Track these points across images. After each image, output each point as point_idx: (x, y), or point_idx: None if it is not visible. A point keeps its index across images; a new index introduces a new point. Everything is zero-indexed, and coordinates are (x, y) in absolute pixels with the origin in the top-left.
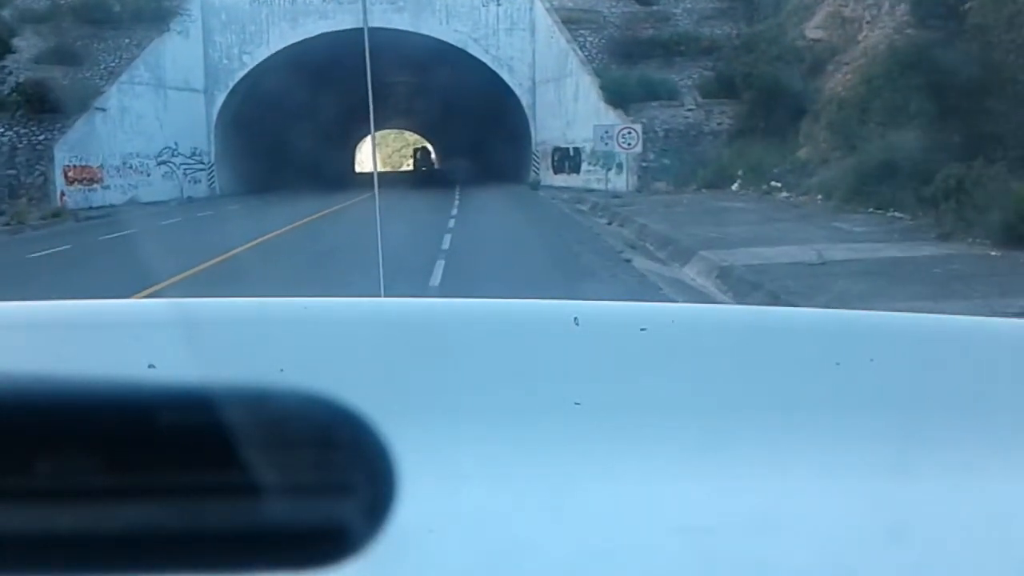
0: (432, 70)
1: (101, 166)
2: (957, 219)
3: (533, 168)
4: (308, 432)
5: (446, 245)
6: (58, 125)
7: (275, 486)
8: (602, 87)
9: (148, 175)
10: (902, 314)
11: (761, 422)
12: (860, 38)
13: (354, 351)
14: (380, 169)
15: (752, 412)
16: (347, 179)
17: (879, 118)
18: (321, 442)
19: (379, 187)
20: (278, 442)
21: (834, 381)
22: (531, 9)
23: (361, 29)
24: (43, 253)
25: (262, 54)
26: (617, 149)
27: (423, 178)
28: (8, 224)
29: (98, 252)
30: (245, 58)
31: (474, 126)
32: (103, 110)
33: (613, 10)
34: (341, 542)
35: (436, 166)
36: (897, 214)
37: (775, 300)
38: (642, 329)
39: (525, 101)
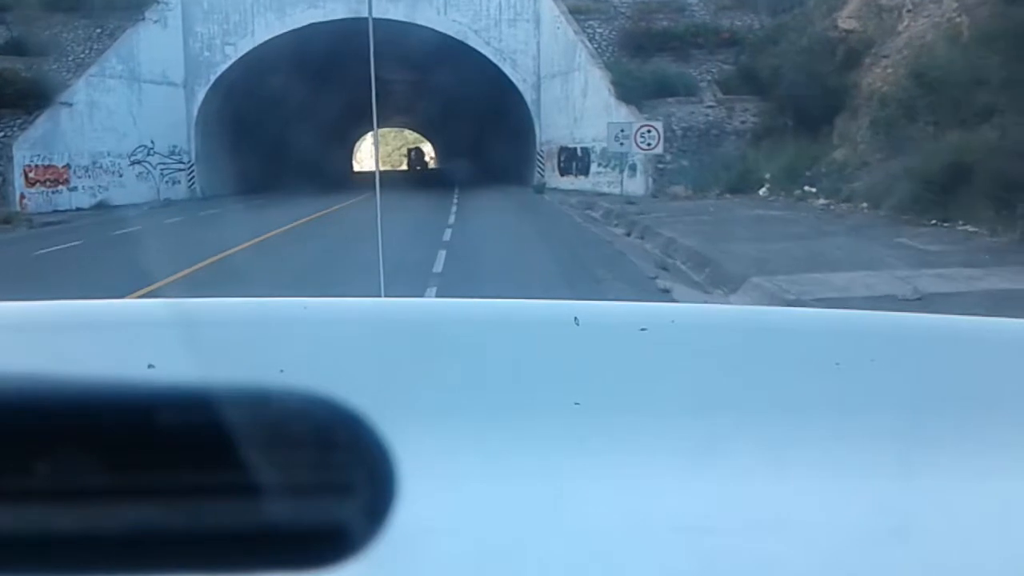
0: (430, 65)
1: (67, 166)
2: None
3: (538, 169)
4: (308, 432)
5: (439, 267)
6: (18, 121)
7: (275, 486)
8: (613, 82)
9: (120, 176)
10: (902, 314)
11: (761, 422)
12: (901, 28)
13: (354, 351)
14: (384, 168)
15: (752, 412)
16: (345, 179)
17: (932, 116)
18: (321, 442)
19: (373, 190)
20: (278, 442)
21: (834, 381)
22: None
23: (355, 19)
24: None
25: (246, 46)
26: (635, 150)
27: (421, 179)
28: None
29: (17, 269)
30: (228, 50)
31: (475, 124)
32: (69, 105)
33: None
34: (341, 542)
35: (431, 166)
36: (970, 228)
37: None
38: (642, 329)
39: (529, 97)
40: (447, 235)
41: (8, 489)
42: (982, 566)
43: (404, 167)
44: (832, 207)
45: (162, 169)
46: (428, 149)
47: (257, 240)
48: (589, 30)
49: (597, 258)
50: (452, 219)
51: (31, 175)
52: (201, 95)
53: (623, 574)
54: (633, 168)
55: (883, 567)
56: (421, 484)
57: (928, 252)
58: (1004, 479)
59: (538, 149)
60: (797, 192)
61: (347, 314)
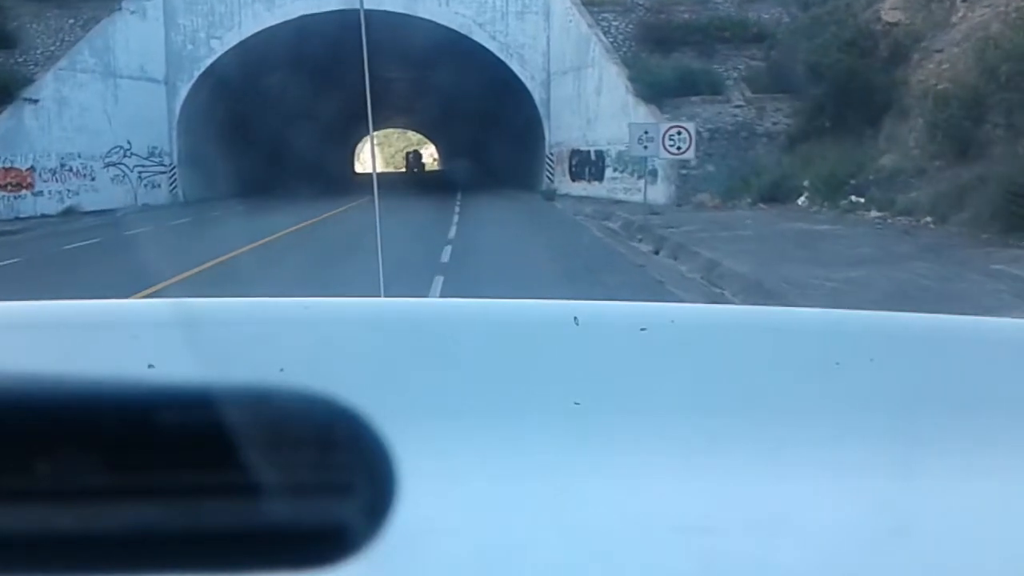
0: (432, 61)
1: (32, 168)
2: None
3: (547, 173)
4: (308, 432)
5: (435, 294)
6: None
7: (275, 486)
8: (631, 79)
9: (93, 179)
10: (902, 314)
11: (761, 422)
12: (955, 19)
13: (354, 351)
14: (381, 169)
15: (752, 412)
16: (345, 181)
17: (1005, 117)
18: (321, 442)
19: (371, 193)
20: (278, 442)
21: (834, 381)
22: None
23: (351, 11)
24: None
25: (233, 39)
26: (663, 154)
27: (422, 182)
28: None
29: None
30: (214, 43)
31: (479, 125)
32: (34, 101)
33: None
34: (341, 542)
35: (434, 168)
36: None
37: None
38: (642, 329)
39: (538, 96)
40: (446, 254)
41: (8, 489)
42: (982, 566)
43: (416, 169)
44: (889, 221)
45: (140, 172)
46: (431, 151)
47: (218, 261)
48: (604, 23)
49: (627, 286)
50: (453, 232)
51: None
52: (184, 92)
53: (623, 574)
54: (654, 174)
55: (883, 567)
56: (421, 484)
57: None
58: (1004, 479)
59: (547, 152)
60: (843, 203)
61: (347, 314)
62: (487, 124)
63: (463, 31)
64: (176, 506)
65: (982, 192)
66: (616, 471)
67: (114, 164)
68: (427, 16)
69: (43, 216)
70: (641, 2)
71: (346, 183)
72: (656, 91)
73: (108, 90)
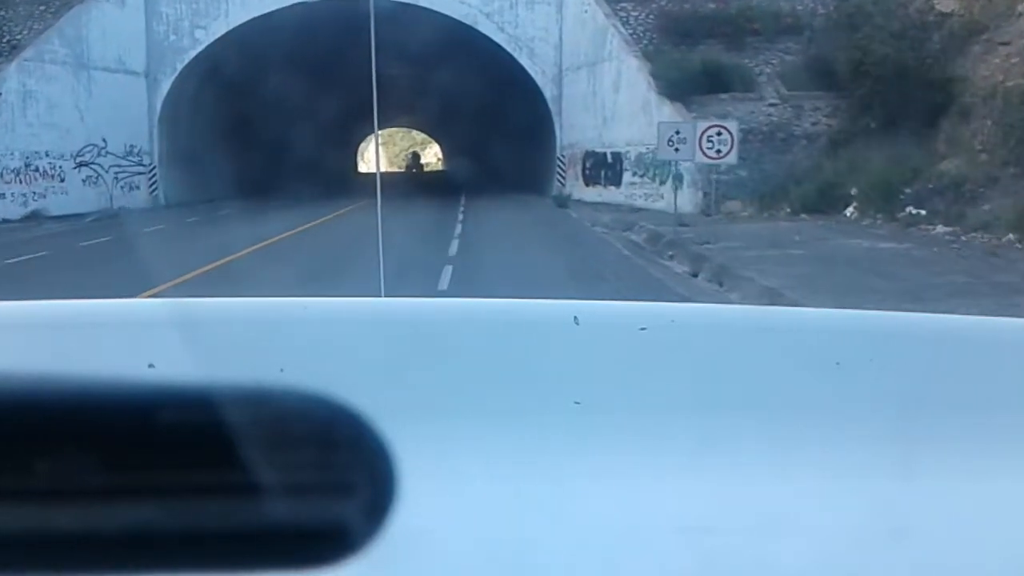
0: (436, 55)
1: None
2: None
3: (558, 177)
4: (308, 432)
5: None
6: None
7: (275, 486)
8: (654, 74)
9: (62, 180)
10: (902, 314)
11: (761, 422)
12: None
13: (354, 351)
14: (385, 169)
15: (752, 412)
16: (347, 181)
17: None
18: (321, 442)
19: (371, 200)
20: (278, 442)
21: (834, 381)
22: None
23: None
24: None
25: (219, 29)
26: (700, 158)
27: (424, 185)
28: None
29: None
30: (198, 33)
31: (485, 124)
32: None
33: None
34: (341, 542)
35: (432, 168)
36: None
37: None
38: (642, 329)
39: (548, 93)
40: (445, 279)
41: (8, 489)
42: (981, 566)
43: (421, 169)
44: (963, 239)
45: (116, 172)
46: (435, 150)
47: (180, 280)
48: (623, 13)
49: None
50: (454, 248)
51: None
52: (166, 86)
53: (623, 574)
54: (679, 179)
55: (883, 567)
56: (421, 484)
57: None
58: (1004, 479)
59: (558, 154)
60: (901, 215)
61: (347, 314)
62: (493, 123)
63: (468, 22)
64: (176, 506)
65: None
66: (616, 471)
67: (86, 164)
68: (429, 6)
69: (5, 221)
70: None
71: (348, 184)
72: (681, 87)
73: (80, 83)
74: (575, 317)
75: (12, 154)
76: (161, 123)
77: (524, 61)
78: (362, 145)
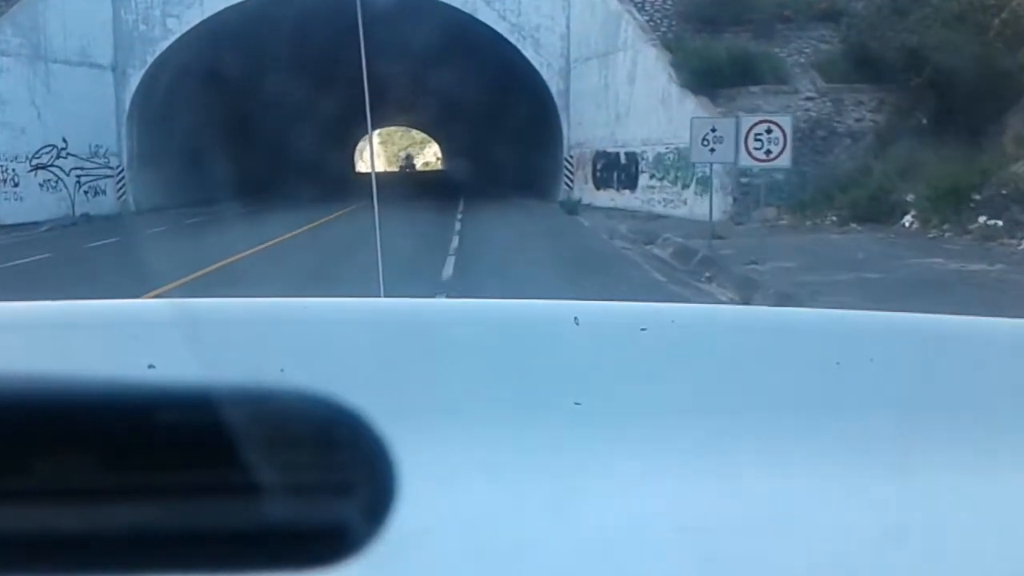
0: (433, 49)
1: None
2: None
3: (565, 179)
4: (308, 432)
5: None
6: None
7: (275, 486)
8: (675, 64)
9: (16, 185)
10: (902, 314)
11: (761, 422)
12: None
13: (354, 351)
14: (383, 168)
15: (752, 412)
16: (344, 182)
17: None
18: (321, 442)
19: (361, 203)
20: (278, 442)
21: (834, 381)
22: None
23: None
24: None
25: (193, 18)
26: (745, 161)
27: (421, 186)
28: None
29: None
30: (171, 23)
31: (485, 122)
32: None
33: None
34: (341, 542)
35: (431, 167)
36: None
37: None
38: (642, 329)
39: (555, 87)
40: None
41: (8, 489)
42: (981, 566)
43: (414, 168)
44: None
45: (79, 176)
46: (435, 150)
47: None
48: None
49: None
50: (449, 267)
51: None
52: (136, 80)
53: (623, 573)
54: (705, 182)
55: (883, 567)
56: (421, 484)
57: None
58: (1003, 479)
59: (566, 154)
60: (973, 227)
61: (347, 314)
62: (495, 121)
63: (467, 10)
64: (176, 506)
65: None
66: (616, 471)
67: (44, 167)
68: None
69: None
70: None
71: (345, 184)
72: (706, 79)
73: (37, 77)
74: (575, 317)
75: None
76: (130, 121)
77: (528, 52)
78: (360, 144)
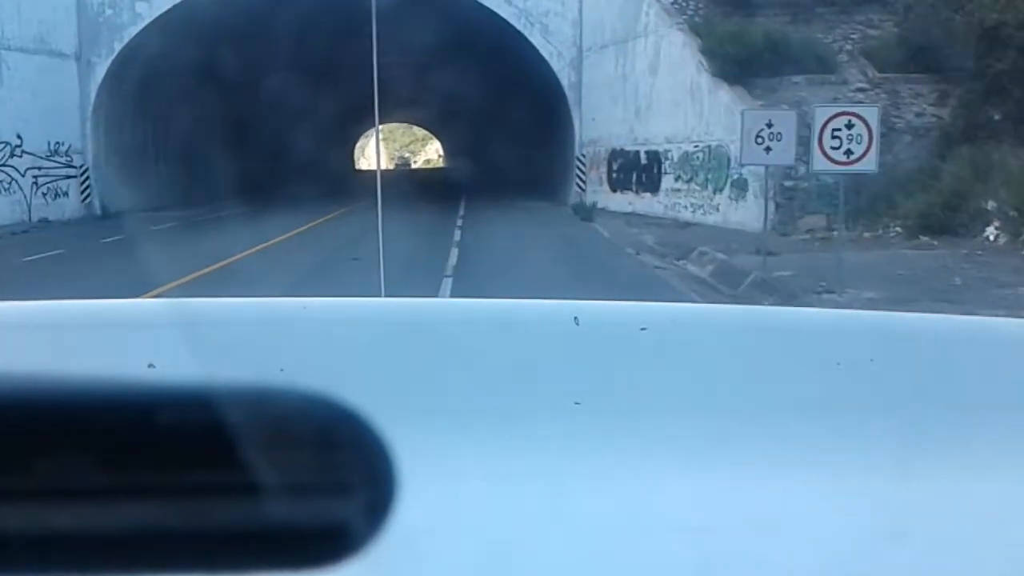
0: (437, 39)
1: None
2: None
3: (577, 180)
4: (308, 432)
5: None
6: None
7: (275, 486)
8: (705, 51)
9: None
10: (902, 314)
11: (761, 422)
12: None
13: (354, 351)
14: (385, 166)
15: (752, 412)
16: (343, 181)
17: None
18: (321, 442)
19: (359, 201)
20: (278, 442)
21: (834, 381)
22: None
23: None
24: None
25: (165, 2)
26: (821, 165)
27: (420, 185)
28: None
29: None
30: (140, 7)
31: (489, 118)
32: None
33: None
34: (341, 542)
35: (433, 165)
36: None
37: None
38: (642, 329)
39: (566, 78)
40: None
41: (8, 489)
42: (981, 566)
43: (414, 165)
44: None
45: (36, 176)
46: (436, 147)
47: None
48: None
49: None
50: (447, 293)
51: None
52: (102, 70)
53: (623, 573)
54: (741, 185)
55: (882, 567)
56: (421, 484)
57: None
58: (1003, 479)
59: (577, 152)
60: None
61: (347, 314)
62: (499, 117)
63: None
64: (176, 506)
65: None
66: (616, 471)
67: None
68: None
69: None
70: None
71: (343, 183)
72: (741, 68)
73: None
74: (575, 317)
75: None
76: (97, 115)
77: (536, 40)
78: (360, 142)
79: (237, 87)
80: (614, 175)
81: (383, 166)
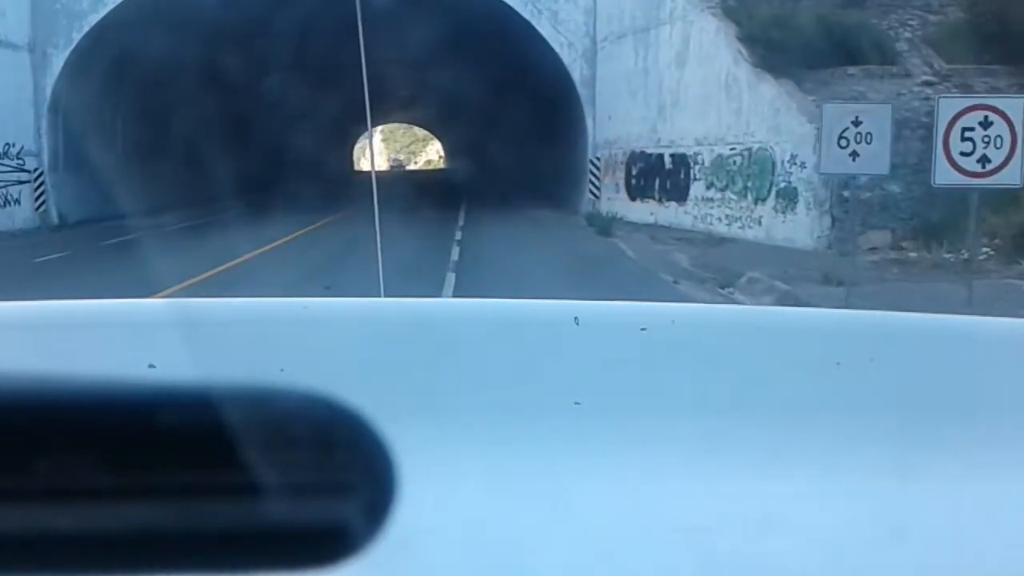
0: (437, 34)
1: None
2: None
3: (590, 186)
4: (308, 432)
5: None
6: None
7: (275, 486)
8: (743, 39)
9: None
10: (902, 314)
11: (761, 422)
12: None
13: (354, 351)
14: (383, 168)
15: (752, 412)
16: (340, 183)
17: None
18: (321, 442)
19: (357, 206)
20: (278, 442)
21: (834, 381)
22: None
23: None
24: None
25: None
26: (950, 177)
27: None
28: None
29: None
30: None
31: (493, 117)
32: None
33: None
34: (341, 542)
35: (434, 166)
36: None
37: None
38: (642, 329)
39: (578, 73)
40: None
41: (8, 489)
42: (981, 566)
43: (413, 167)
44: None
45: None
46: (437, 147)
47: None
48: None
49: None
50: None
51: None
52: (59, 62)
53: (623, 573)
54: (788, 195)
55: (882, 567)
56: (421, 484)
57: None
58: (1003, 479)
59: (591, 155)
60: None
61: (347, 314)
62: (503, 116)
63: None
64: (176, 506)
65: None
66: (616, 471)
67: None
68: None
69: None
70: None
71: (342, 186)
72: (787, 58)
73: None
74: (575, 317)
75: None
76: (53, 113)
77: (545, 30)
78: (359, 143)
79: (216, 84)
80: (633, 181)
81: (381, 167)
